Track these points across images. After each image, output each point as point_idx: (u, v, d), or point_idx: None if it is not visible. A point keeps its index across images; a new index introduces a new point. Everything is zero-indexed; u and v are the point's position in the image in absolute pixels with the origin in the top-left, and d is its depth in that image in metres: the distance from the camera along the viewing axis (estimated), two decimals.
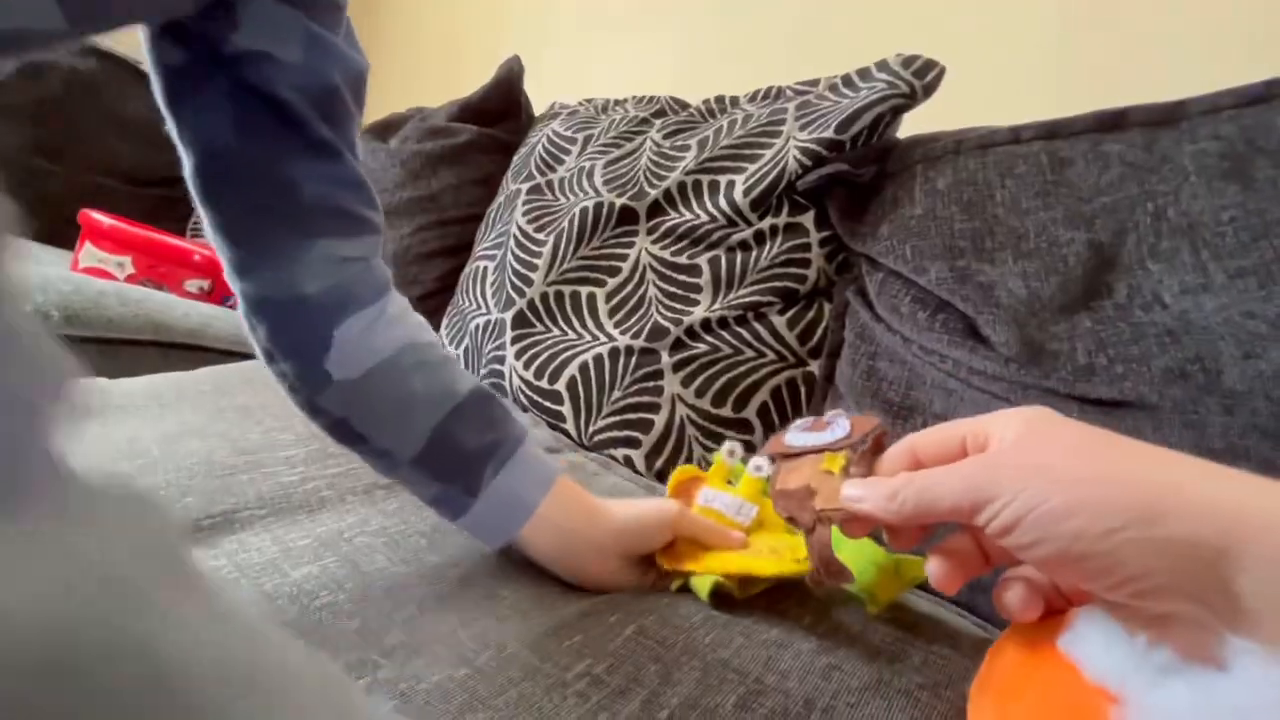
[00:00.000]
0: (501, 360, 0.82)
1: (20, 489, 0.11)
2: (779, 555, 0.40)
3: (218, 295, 1.18)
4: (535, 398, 0.77)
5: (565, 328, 0.79)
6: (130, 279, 1.09)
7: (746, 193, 0.73)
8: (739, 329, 0.70)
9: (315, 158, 0.38)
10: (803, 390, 0.70)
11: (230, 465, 0.50)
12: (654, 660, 0.34)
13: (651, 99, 0.97)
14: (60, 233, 1.26)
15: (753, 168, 0.74)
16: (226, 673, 0.13)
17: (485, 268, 0.94)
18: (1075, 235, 0.53)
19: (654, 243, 0.78)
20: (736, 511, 0.45)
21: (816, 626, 0.40)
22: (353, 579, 0.39)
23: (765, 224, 0.72)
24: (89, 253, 1.08)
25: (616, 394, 0.72)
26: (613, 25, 1.58)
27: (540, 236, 0.86)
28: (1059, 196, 0.55)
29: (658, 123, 0.91)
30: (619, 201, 0.81)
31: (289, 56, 0.36)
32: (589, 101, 1.07)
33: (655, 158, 0.85)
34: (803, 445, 0.34)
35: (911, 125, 0.72)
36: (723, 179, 0.76)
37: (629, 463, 0.70)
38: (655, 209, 0.80)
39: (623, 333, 0.75)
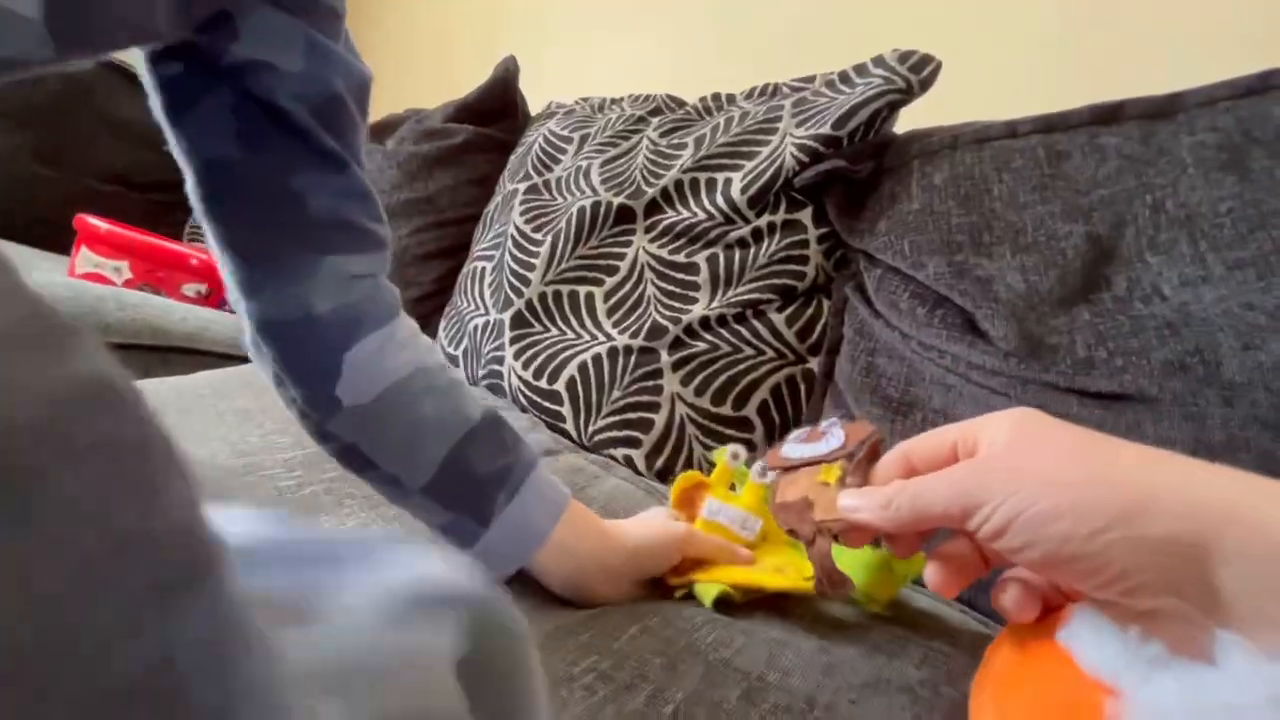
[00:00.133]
0: (500, 361, 0.82)
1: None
2: (784, 574, 0.41)
3: (215, 299, 1.17)
4: (534, 398, 0.77)
5: (564, 328, 0.79)
6: (128, 284, 1.09)
7: (744, 190, 0.73)
8: (738, 327, 0.70)
9: (321, 168, 0.37)
10: (802, 387, 0.70)
11: (229, 469, 0.50)
12: (658, 657, 0.34)
13: (648, 97, 0.97)
14: (56, 238, 1.26)
15: (750, 165, 0.74)
16: None
17: (483, 268, 0.94)
18: (1073, 228, 0.53)
19: (652, 241, 0.78)
20: (741, 526, 0.46)
21: (817, 625, 0.40)
22: None
23: (763, 221, 0.72)
24: (86, 258, 1.08)
25: (616, 394, 0.72)
26: (608, 24, 1.58)
27: (538, 236, 0.86)
28: (1056, 190, 0.55)
29: (654, 121, 0.91)
30: (616, 200, 0.81)
31: (290, 65, 0.35)
32: (585, 100, 1.06)
33: (652, 156, 0.84)
34: (799, 457, 0.35)
35: (909, 121, 0.72)
36: (720, 176, 0.76)
37: (629, 462, 0.70)
38: (653, 207, 0.79)
39: (621, 332, 0.75)
